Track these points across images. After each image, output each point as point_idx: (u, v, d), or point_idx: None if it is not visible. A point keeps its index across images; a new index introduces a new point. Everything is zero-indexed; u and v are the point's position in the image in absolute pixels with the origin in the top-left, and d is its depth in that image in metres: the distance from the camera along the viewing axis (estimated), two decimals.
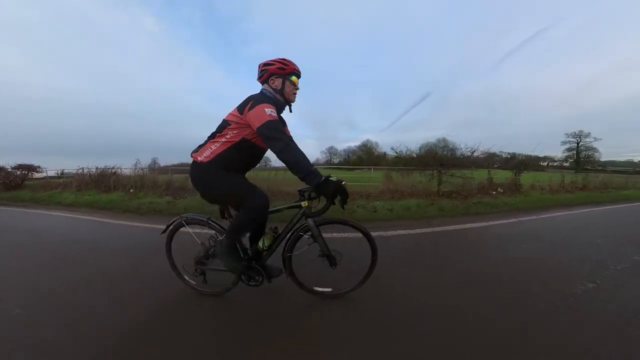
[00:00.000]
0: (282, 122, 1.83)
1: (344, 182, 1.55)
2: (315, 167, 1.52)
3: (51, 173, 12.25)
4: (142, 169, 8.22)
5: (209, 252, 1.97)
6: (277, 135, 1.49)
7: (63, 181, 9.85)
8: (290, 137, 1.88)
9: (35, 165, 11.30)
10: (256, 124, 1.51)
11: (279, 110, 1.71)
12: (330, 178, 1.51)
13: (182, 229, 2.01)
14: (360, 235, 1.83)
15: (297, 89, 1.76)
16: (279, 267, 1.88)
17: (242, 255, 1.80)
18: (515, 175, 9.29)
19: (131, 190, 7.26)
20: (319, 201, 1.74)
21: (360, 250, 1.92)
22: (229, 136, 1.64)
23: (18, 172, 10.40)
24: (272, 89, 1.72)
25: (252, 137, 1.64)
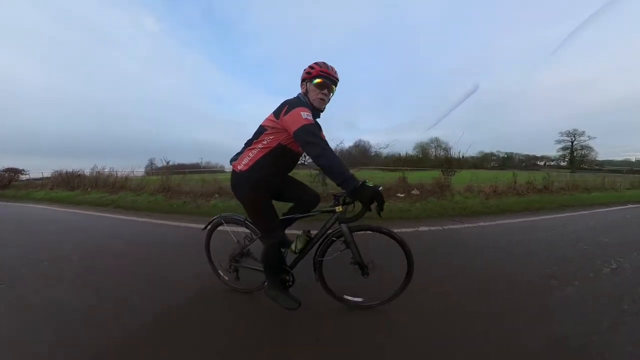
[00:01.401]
0: (318, 127, 1.81)
1: (381, 188, 1.48)
2: (350, 171, 1.47)
3: (41, 174, 14.15)
4: (97, 171, 10.22)
5: (243, 251, 2.06)
6: (313, 139, 1.45)
7: (42, 182, 11.81)
8: (326, 141, 1.87)
9: (20, 168, 13.62)
10: (292, 127, 1.48)
11: (314, 114, 1.67)
12: (367, 183, 1.46)
13: (220, 227, 2.10)
14: (395, 244, 1.75)
15: (324, 93, 1.67)
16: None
17: (290, 294, 1.82)
18: (444, 175, 7.95)
19: (89, 189, 8.96)
20: (354, 207, 1.68)
21: (394, 260, 1.82)
22: (265, 142, 1.65)
23: (6, 175, 12.56)
24: (303, 93, 1.72)
25: (289, 142, 1.64)
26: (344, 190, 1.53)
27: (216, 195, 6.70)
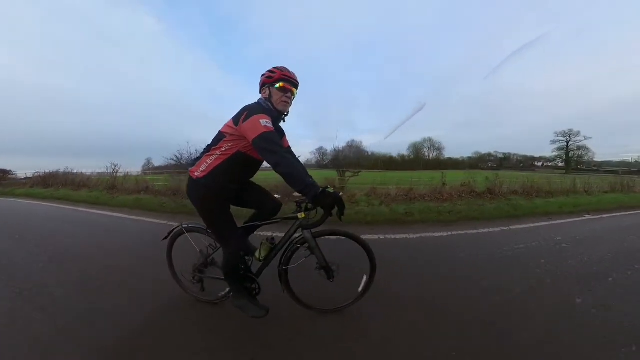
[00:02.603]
0: (281, 133, 1.79)
1: (341, 194, 1.51)
2: (311, 178, 1.50)
3: (25, 174, 16.79)
4: (69, 172, 12.55)
5: (207, 260, 1.99)
6: (272, 147, 1.43)
7: (25, 181, 14.44)
8: (288, 147, 1.87)
9: (8, 169, 16.91)
10: (251, 135, 1.45)
11: (275, 120, 1.66)
12: (327, 189, 1.47)
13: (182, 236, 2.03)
14: (357, 246, 1.79)
15: (287, 96, 1.65)
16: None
17: (257, 302, 1.79)
18: (340, 176, 7.70)
19: (60, 187, 11.00)
20: (316, 213, 1.68)
21: (357, 262, 1.84)
22: (224, 149, 1.60)
23: None
24: (265, 98, 1.67)
25: (248, 150, 1.59)
26: (304, 197, 1.53)
27: (142, 192, 8.18)
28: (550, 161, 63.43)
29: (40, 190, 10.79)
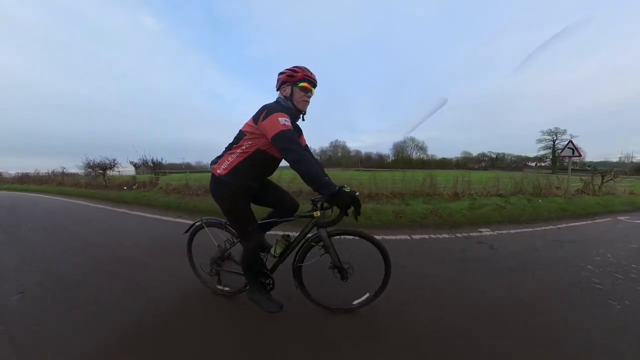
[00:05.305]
0: (298, 131, 1.83)
1: (357, 193, 1.52)
2: (328, 177, 1.50)
3: (10, 174, 21.91)
4: (37, 173, 18.43)
5: (224, 254, 2.07)
6: (290, 145, 1.46)
7: (8, 180, 19.90)
8: (306, 146, 1.89)
9: None
10: (270, 133, 1.49)
11: (293, 119, 1.68)
12: (344, 189, 1.49)
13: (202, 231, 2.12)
14: (372, 247, 1.77)
15: (308, 96, 1.68)
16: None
17: (272, 297, 1.84)
18: (154, 175, 10.88)
19: (31, 184, 15.79)
20: (332, 211, 1.70)
21: (372, 263, 1.82)
22: (244, 147, 1.64)
23: None
24: (284, 97, 1.68)
25: (267, 148, 1.63)
26: (321, 196, 1.56)
27: (74, 186, 12.72)
28: (543, 161, 63.56)
29: (17, 185, 16.84)
